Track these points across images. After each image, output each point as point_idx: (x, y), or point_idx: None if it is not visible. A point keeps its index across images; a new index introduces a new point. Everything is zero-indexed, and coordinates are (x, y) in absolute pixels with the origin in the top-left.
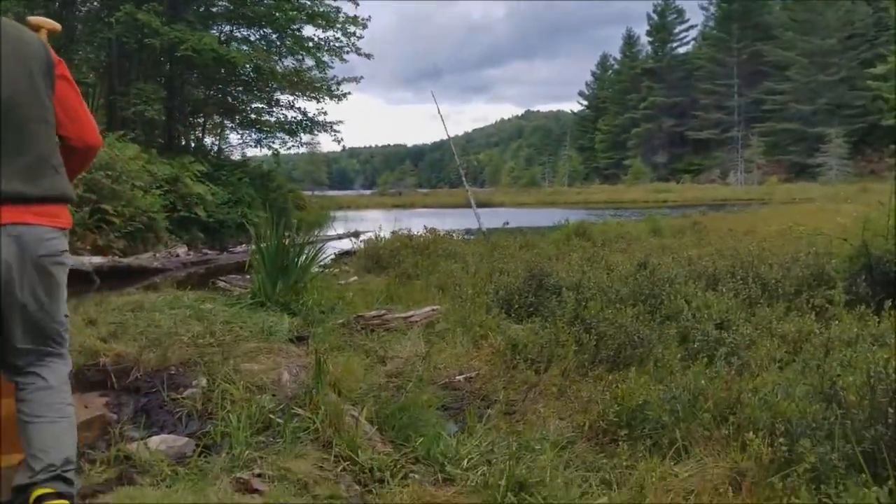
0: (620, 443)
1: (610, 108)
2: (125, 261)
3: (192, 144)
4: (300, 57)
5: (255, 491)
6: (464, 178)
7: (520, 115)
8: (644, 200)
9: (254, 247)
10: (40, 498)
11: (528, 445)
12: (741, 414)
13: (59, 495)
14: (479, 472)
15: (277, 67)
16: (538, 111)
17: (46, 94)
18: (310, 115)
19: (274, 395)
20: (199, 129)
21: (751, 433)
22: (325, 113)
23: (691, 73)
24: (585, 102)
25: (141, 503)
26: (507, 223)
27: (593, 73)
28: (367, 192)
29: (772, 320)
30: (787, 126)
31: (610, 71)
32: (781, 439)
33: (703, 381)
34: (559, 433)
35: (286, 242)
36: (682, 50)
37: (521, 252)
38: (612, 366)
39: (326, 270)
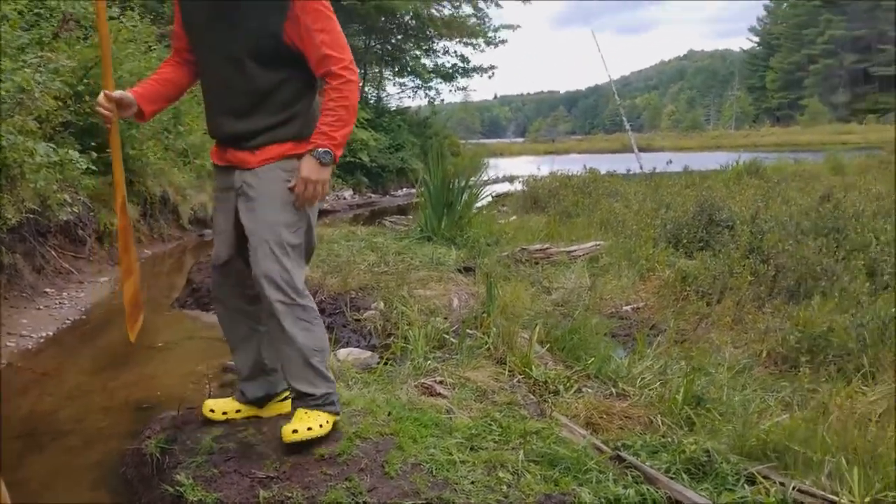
0: (801, 368)
1: (784, 44)
2: None
3: None
4: (458, 3)
5: (439, 395)
6: (624, 118)
7: (681, 55)
8: (821, 143)
9: (420, 186)
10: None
11: (703, 368)
12: None
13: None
14: (653, 389)
15: (435, 12)
16: (702, 50)
17: None
18: (466, 58)
19: (446, 318)
20: (361, 78)
21: None
22: (482, 51)
23: (878, 2)
24: (756, 39)
25: (341, 399)
26: (671, 162)
27: (766, 7)
28: (519, 139)
29: None
30: None
31: (785, 3)
32: None
33: (893, 310)
34: (734, 359)
35: (450, 181)
36: None
37: (687, 191)
38: (790, 297)
39: (486, 210)
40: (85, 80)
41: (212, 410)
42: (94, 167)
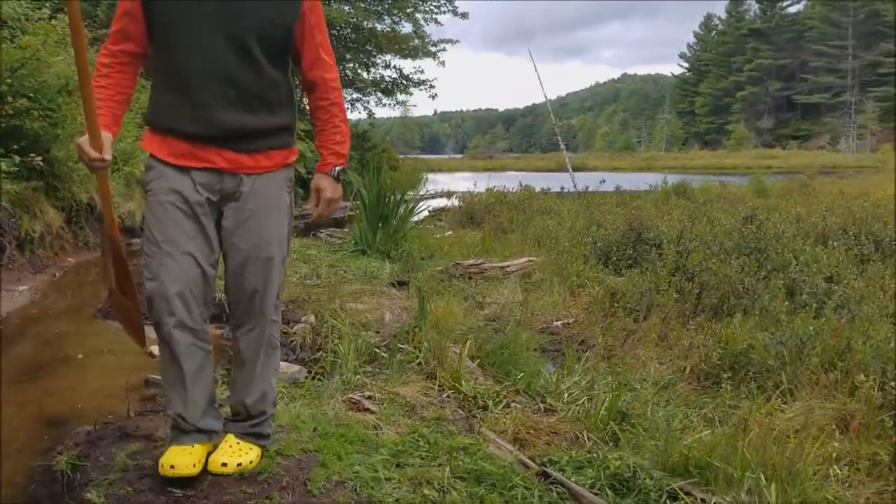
0: (723, 384)
1: (713, 71)
2: None
3: None
4: (398, 18)
5: (367, 410)
6: (559, 138)
7: (616, 78)
8: (747, 166)
9: (356, 198)
10: None
11: (628, 384)
12: (850, 360)
13: None
14: (580, 405)
15: (377, 26)
16: (635, 74)
17: None
18: (406, 73)
19: (377, 332)
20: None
21: (861, 376)
22: (421, 71)
23: (801, 33)
24: (686, 65)
25: None
26: (604, 181)
27: (696, 34)
28: (458, 156)
29: (885, 276)
30: None
31: (714, 31)
32: (893, 383)
33: (811, 328)
34: (659, 375)
35: (386, 195)
36: (792, 9)
37: (617, 209)
38: (714, 314)
39: (422, 225)
40: (8, 81)
41: (194, 465)
42: (16, 169)
